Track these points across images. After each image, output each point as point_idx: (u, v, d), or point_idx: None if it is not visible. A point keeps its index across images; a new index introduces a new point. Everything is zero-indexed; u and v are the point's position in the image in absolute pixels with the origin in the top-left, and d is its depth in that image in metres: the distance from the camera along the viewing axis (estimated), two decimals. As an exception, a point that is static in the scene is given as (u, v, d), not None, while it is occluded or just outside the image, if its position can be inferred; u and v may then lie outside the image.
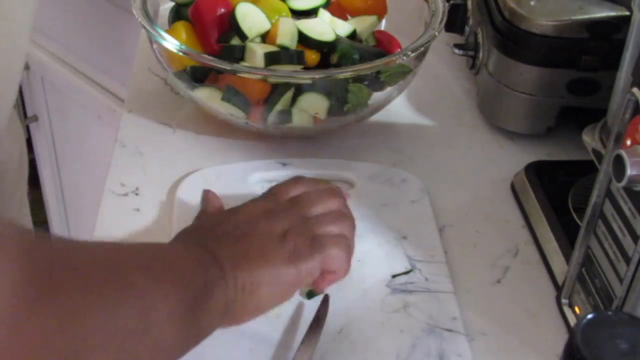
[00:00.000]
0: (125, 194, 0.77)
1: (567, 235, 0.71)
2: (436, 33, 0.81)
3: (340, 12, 0.88)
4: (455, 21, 0.93)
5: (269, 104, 0.78)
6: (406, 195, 0.77)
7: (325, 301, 0.65)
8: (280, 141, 0.84)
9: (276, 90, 0.78)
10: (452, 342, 0.64)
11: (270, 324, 0.64)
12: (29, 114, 1.77)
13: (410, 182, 0.79)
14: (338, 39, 0.82)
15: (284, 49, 0.79)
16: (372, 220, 0.74)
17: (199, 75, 0.81)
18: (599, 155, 0.67)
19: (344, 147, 0.84)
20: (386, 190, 0.78)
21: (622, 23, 0.76)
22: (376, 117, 0.86)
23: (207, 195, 0.72)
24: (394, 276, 0.69)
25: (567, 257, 0.69)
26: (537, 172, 0.79)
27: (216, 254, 0.56)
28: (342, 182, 0.79)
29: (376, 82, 0.81)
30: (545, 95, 0.82)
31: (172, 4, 0.87)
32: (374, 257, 0.71)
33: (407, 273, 0.70)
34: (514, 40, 0.81)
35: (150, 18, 0.80)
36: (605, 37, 0.78)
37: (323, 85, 0.78)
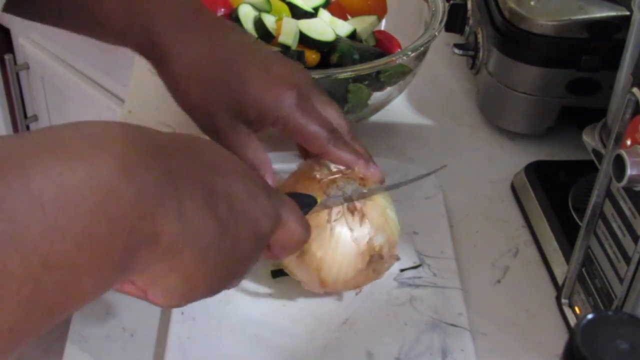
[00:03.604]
0: (125, 194, 0.77)
1: (567, 235, 0.71)
2: (436, 33, 0.81)
3: (340, 12, 0.88)
4: (455, 21, 0.93)
5: (269, 104, 0.78)
6: (420, 191, 0.77)
7: None
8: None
9: (276, 90, 0.78)
10: (456, 338, 0.64)
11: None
12: (29, 114, 1.77)
13: (426, 178, 0.79)
14: (338, 39, 0.82)
15: (284, 48, 0.79)
16: None
17: (199, 75, 0.81)
18: (599, 155, 0.67)
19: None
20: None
21: (622, 23, 0.76)
22: (376, 117, 0.86)
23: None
24: (402, 270, 0.69)
25: (567, 257, 0.69)
26: (537, 172, 0.79)
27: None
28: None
29: (376, 82, 0.81)
30: (545, 95, 0.82)
31: (172, 4, 0.87)
32: None
33: (415, 267, 0.70)
34: (514, 40, 0.81)
35: (150, 18, 0.80)
36: (605, 37, 0.78)
37: (323, 85, 0.78)
